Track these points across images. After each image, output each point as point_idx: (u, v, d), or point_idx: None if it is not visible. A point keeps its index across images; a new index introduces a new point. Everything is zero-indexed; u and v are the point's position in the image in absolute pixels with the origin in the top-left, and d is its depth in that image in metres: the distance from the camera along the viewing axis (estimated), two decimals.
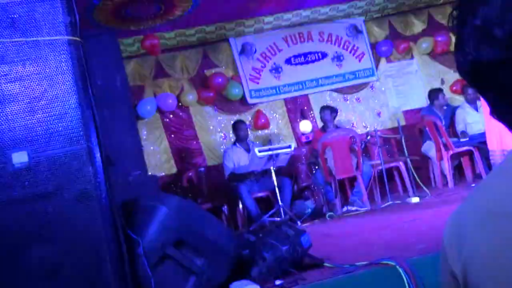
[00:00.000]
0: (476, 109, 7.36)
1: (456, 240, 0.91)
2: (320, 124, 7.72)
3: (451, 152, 6.73)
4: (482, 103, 4.49)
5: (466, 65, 0.84)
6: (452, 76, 8.52)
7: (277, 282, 2.71)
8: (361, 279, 2.62)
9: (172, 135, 7.83)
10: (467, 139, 6.87)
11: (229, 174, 6.88)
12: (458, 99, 8.05)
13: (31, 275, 2.41)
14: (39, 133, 2.48)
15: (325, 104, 7.67)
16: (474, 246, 0.86)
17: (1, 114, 2.47)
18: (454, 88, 8.37)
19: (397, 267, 2.57)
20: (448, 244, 0.94)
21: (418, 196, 6.12)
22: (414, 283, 2.50)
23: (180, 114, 7.90)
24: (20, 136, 2.47)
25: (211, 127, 7.99)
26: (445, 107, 7.55)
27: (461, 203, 0.96)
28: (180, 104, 7.84)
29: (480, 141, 6.73)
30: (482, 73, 0.82)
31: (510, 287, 0.80)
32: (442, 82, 8.51)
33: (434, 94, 7.53)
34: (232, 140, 7.47)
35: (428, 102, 7.73)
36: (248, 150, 6.99)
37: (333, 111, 7.35)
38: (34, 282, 2.41)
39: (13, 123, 2.47)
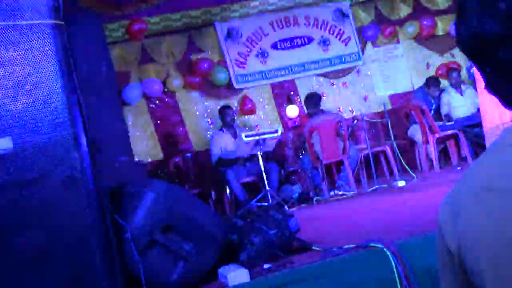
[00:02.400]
0: (461, 93, 7.41)
1: (451, 217, 0.92)
2: (306, 108, 7.72)
3: (436, 136, 6.78)
4: (477, 81, 4.49)
5: (467, 38, 0.84)
6: (438, 60, 8.56)
7: (266, 266, 2.71)
8: (349, 262, 2.64)
9: (159, 121, 7.78)
10: (452, 122, 6.92)
11: (216, 159, 6.87)
12: (443, 83, 8.08)
13: (18, 262, 2.39)
14: (23, 118, 2.44)
15: (307, 94, 7.63)
16: (468, 222, 0.87)
17: None
18: (439, 72, 8.40)
19: (384, 249, 2.59)
20: (443, 221, 0.94)
21: (404, 180, 6.16)
22: (401, 265, 2.52)
23: (166, 99, 7.85)
24: (4, 121, 2.43)
25: (197, 113, 7.96)
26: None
27: (457, 181, 0.96)
28: (166, 89, 7.79)
29: (465, 125, 6.79)
30: (483, 47, 0.82)
31: (505, 261, 0.80)
32: (428, 66, 8.53)
33: (432, 81, 7.55)
34: (219, 125, 7.45)
35: (421, 86, 7.76)
36: (234, 135, 6.97)
37: (319, 97, 7.34)
38: (21, 269, 2.39)
39: None
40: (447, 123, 6.93)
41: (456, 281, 0.96)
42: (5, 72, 2.45)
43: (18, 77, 2.46)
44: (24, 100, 2.46)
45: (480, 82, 4.48)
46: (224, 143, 6.94)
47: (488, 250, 0.84)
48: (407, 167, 6.55)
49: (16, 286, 2.38)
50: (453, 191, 0.95)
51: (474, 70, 4.54)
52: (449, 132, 6.82)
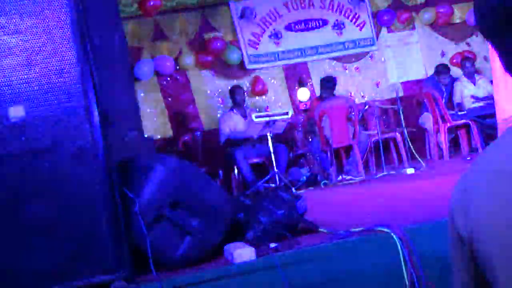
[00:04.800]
0: (474, 83, 7.34)
1: (463, 202, 0.91)
2: (318, 92, 7.68)
3: (448, 125, 6.74)
4: (493, 71, 4.41)
5: (489, 11, 0.82)
6: (453, 48, 8.47)
7: (272, 245, 2.72)
8: (356, 245, 2.64)
9: (169, 98, 7.78)
10: (464, 112, 6.87)
11: (225, 139, 6.87)
12: (457, 72, 8.00)
13: (27, 230, 2.40)
14: (36, 88, 2.44)
15: (324, 76, 7.57)
16: (480, 206, 0.86)
17: None
18: (454, 60, 8.32)
19: (392, 234, 2.58)
20: (455, 207, 0.94)
21: (413, 168, 6.14)
22: (408, 250, 2.52)
23: (178, 77, 7.83)
24: (17, 90, 2.43)
25: (208, 92, 7.94)
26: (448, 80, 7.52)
27: (469, 167, 0.95)
28: (178, 67, 7.77)
29: (477, 115, 6.74)
30: (505, 20, 0.81)
31: None
32: (443, 54, 8.45)
33: (441, 69, 7.49)
34: (229, 105, 7.43)
35: (431, 74, 7.69)
36: (245, 116, 6.96)
37: (334, 81, 7.29)
38: (30, 237, 2.41)
39: (10, 77, 2.43)
40: (459, 113, 6.88)
41: (467, 268, 0.96)
42: (19, 41, 2.44)
43: (32, 46, 2.46)
44: (38, 70, 2.45)
45: (496, 72, 4.44)
46: (234, 123, 6.93)
47: (500, 236, 0.83)
48: (416, 155, 6.52)
49: (24, 254, 2.40)
50: (465, 177, 0.94)
51: (490, 57, 4.46)
52: (461, 121, 6.77)
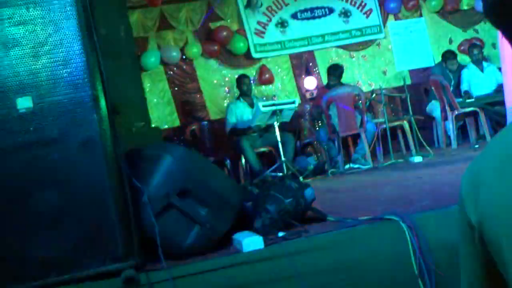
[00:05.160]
0: (482, 70, 7.29)
1: (473, 188, 0.90)
2: (325, 80, 7.65)
3: (456, 113, 6.70)
4: (502, 58, 4.39)
5: None
6: (461, 35, 8.41)
7: (280, 234, 2.72)
8: (364, 234, 2.64)
9: (176, 88, 7.78)
10: (472, 99, 6.82)
11: (231, 129, 6.86)
12: (465, 59, 7.95)
13: (36, 220, 2.42)
14: (43, 78, 2.44)
15: (331, 64, 7.54)
16: (491, 192, 0.85)
17: (5, 58, 2.43)
18: (461, 48, 8.27)
19: (400, 222, 2.58)
20: (465, 193, 0.93)
21: (421, 156, 6.12)
22: (417, 239, 2.51)
23: (184, 67, 7.83)
24: (25, 81, 2.43)
25: (215, 81, 7.93)
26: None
27: (479, 153, 0.94)
28: (184, 57, 7.76)
29: (485, 102, 6.69)
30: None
31: None
32: (450, 41, 8.40)
33: (448, 55, 7.43)
34: (236, 94, 7.42)
35: (439, 60, 7.64)
36: (251, 105, 6.95)
37: (341, 69, 7.25)
38: (39, 227, 2.42)
39: (17, 67, 2.43)
40: (467, 100, 6.83)
41: (476, 254, 0.95)
42: (26, 31, 2.44)
43: (38, 36, 2.46)
44: (44, 60, 2.45)
45: (505, 59, 4.40)
46: (240, 113, 6.93)
47: (510, 219, 0.83)
48: (424, 143, 6.49)
49: (34, 243, 2.42)
50: (475, 163, 0.93)
51: (500, 44, 4.42)
52: (469, 109, 6.73)
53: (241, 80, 7.15)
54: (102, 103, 2.51)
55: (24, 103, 2.43)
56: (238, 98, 7.16)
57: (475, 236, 0.92)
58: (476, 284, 0.99)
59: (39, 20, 2.46)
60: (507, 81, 4.29)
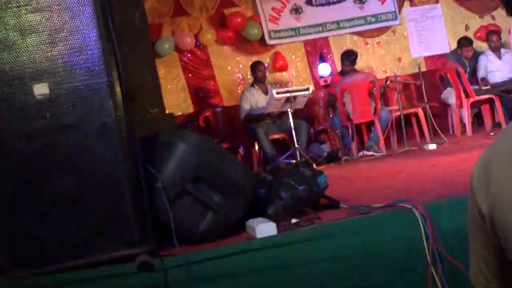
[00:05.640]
0: (499, 57, 7.21)
1: (485, 178, 0.91)
2: (339, 67, 7.62)
3: (471, 100, 6.65)
4: None
5: None
6: (477, 22, 8.31)
7: (293, 221, 2.74)
8: (377, 221, 2.64)
9: (190, 75, 7.79)
10: (488, 87, 6.76)
11: (245, 115, 6.87)
12: (481, 46, 7.86)
13: (52, 205, 2.45)
14: (59, 65, 2.47)
15: (344, 50, 7.50)
16: (502, 182, 0.86)
17: (22, 45, 2.45)
18: (478, 34, 8.18)
19: (413, 210, 2.58)
20: (476, 182, 0.94)
21: (435, 143, 6.09)
22: (430, 226, 2.51)
23: (198, 53, 7.83)
24: (41, 67, 2.46)
25: (229, 68, 7.93)
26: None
27: (491, 143, 0.95)
28: (198, 43, 7.76)
29: (501, 90, 6.63)
30: None
31: None
32: (467, 28, 8.30)
33: (464, 42, 7.35)
34: (250, 81, 7.42)
35: (454, 48, 7.57)
36: (266, 92, 6.94)
37: (355, 55, 7.21)
38: (55, 212, 2.46)
39: (34, 54, 2.45)
40: (483, 88, 6.77)
41: (486, 242, 0.96)
42: (42, 18, 2.46)
43: (54, 23, 2.47)
44: (61, 47, 2.47)
45: None
46: (255, 100, 6.93)
47: None
48: (439, 131, 6.46)
49: (50, 229, 2.46)
50: (487, 152, 0.94)
51: None
52: (485, 96, 6.67)
53: (256, 67, 7.15)
54: (118, 89, 2.53)
55: (40, 89, 2.46)
56: (252, 85, 7.16)
57: (486, 225, 0.93)
58: (486, 272, 1.00)
59: (55, 7, 2.48)
60: None
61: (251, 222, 2.72)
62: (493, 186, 0.89)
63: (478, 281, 1.02)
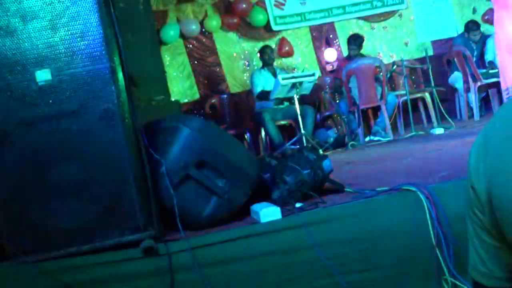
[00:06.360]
0: None
1: (482, 155, 0.90)
2: (345, 52, 7.57)
3: (479, 84, 6.59)
4: (497, 37, 4.32)
5: None
6: (485, 4, 8.21)
7: (298, 205, 2.73)
8: (381, 204, 2.63)
9: (196, 61, 7.77)
10: (496, 70, 6.69)
11: (259, 91, 6.82)
12: (489, 29, 7.77)
13: (57, 191, 2.46)
14: (61, 51, 2.46)
15: (351, 34, 7.45)
16: (499, 158, 0.85)
17: (24, 31, 2.45)
18: (486, 17, 8.08)
19: (418, 193, 2.57)
20: (473, 161, 0.93)
21: (443, 128, 6.05)
22: (435, 209, 2.50)
23: (204, 40, 7.81)
24: (43, 53, 2.45)
25: (235, 54, 7.90)
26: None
27: (487, 122, 0.94)
28: (203, 30, 7.74)
29: None
30: None
31: None
32: (474, 11, 8.21)
33: (471, 25, 7.27)
34: (255, 67, 7.40)
35: (461, 32, 7.50)
36: (274, 75, 6.92)
37: (361, 39, 7.17)
38: (60, 198, 2.47)
39: (35, 40, 2.45)
40: (490, 71, 6.71)
41: (482, 222, 0.95)
42: (44, 4, 2.45)
43: (56, 9, 2.47)
44: (62, 33, 2.47)
45: (499, 42, 4.33)
46: (264, 80, 6.90)
47: None
48: (446, 115, 6.42)
49: (55, 215, 2.47)
50: (485, 129, 0.93)
51: (495, 28, 4.33)
52: (492, 80, 6.61)
53: (264, 50, 7.13)
54: (120, 75, 2.52)
55: (43, 75, 2.45)
56: (262, 67, 7.13)
57: (483, 204, 0.92)
58: (486, 259, 0.99)
59: None
60: (503, 65, 4.23)
61: (255, 207, 2.72)
62: (489, 165, 0.88)
63: (478, 270, 1.00)
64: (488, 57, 7.13)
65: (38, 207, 2.46)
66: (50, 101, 2.46)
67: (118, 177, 2.51)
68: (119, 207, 2.52)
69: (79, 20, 2.48)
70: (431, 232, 2.48)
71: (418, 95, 7.01)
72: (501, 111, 0.93)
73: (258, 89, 6.86)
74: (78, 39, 2.48)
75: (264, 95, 6.69)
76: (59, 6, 2.46)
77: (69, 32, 2.47)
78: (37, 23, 2.45)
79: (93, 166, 2.50)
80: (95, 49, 2.50)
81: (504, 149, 0.84)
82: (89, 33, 2.50)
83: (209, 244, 2.49)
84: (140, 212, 2.52)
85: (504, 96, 4.44)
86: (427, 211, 2.52)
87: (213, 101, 7.55)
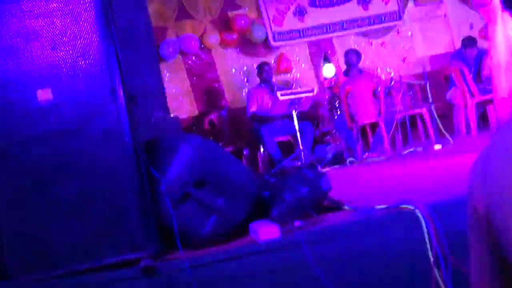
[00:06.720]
0: None
1: (482, 177, 0.91)
2: (343, 68, 7.62)
3: (476, 100, 6.62)
4: (492, 53, 4.41)
5: None
6: (481, 20, 8.26)
7: (297, 223, 2.73)
8: (380, 222, 2.64)
9: (194, 77, 7.81)
10: None
11: (251, 114, 6.86)
12: (486, 45, 7.83)
13: (56, 209, 2.47)
14: (62, 70, 2.49)
15: (349, 49, 7.52)
16: (498, 179, 0.86)
17: (26, 50, 2.48)
18: (482, 33, 8.13)
19: (416, 211, 2.58)
20: (473, 181, 0.94)
21: (441, 144, 6.07)
22: (432, 227, 2.51)
23: (203, 56, 7.85)
24: (44, 72, 2.48)
25: (234, 70, 7.94)
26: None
27: (489, 142, 0.95)
28: (202, 46, 7.78)
29: None
30: None
31: None
32: (471, 26, 8.27)
33: (468, 41, 7.33)
34: (254, 83, 7.44)
35: (459, 47, 7.55)
36: (272, 91, 6.95)
37: (358, 55, 7.24)
38: (59, 216, 2.48)
39: (37, 59, 2.48)
40: (488, 87, 6.74)
41: (484, 243, 0.96)
42: (45, 24, 2.49)
43: (57, 28, 2.50)
44: (63, 52, 2.50)
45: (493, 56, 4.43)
46: (261, 99, 6.93)
47: None
48: (444, 131, 6.44)
49: (54, 233, 2.47)
50: (486, 149, 0.94)
51: (489, 42, 4.41)
52: (490, 96, 6.64)
53: (262, 68, 7.16)
54: (120, 93, 2.55)
55: (44, 94, 2.48)
56: (259, 84, 7.16)
57: (483, 223, 0.93)
58: (485, 273, 1.00)
59: (58, 12, 2.51)
60: (495, 74, 4.31)
61: (254, 225, 2.72)
62: (489, 186, 0.89)
63: None
64: (485, 73, 7.17)
65: (38, 225, 2.47)
66: (51, 119, 2.48)
67: (117, 196, 2.52)
68: (119, 226, 2.53)
69: (81, 40, 2.52)
70: (429, 250, 2.49)
71: (416, 111, 7.04)
72: (500, 130, 0.94)
73: (251, 109, 6.89)
74: (79, 59, 2.51)
75: (256, 118, 6.72)
76: (60, 26, 2.49)
77: (70, 51, 2.50)
78: (39, 42, 2.48)
79: (92, 184, 2.51)
80: (96, 68, 2.53)
81: (503, 173, 0.85)
82: (90, 52, 2.53)
83: (208, 263, 2.49)
84: (140, 230, 2.53)
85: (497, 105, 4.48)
86: (425, 230, 2.52)
87: (211, 117, 7.57)
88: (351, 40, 8.16)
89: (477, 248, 1.00)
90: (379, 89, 6.49)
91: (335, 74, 7.85)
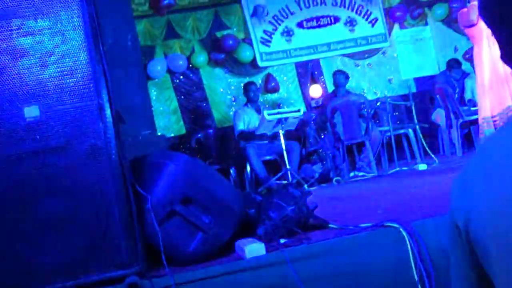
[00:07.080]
0: None
1: (462, 194, 0.94)
2: (330, 88, 7.69)
3: (461, 121, 6.71)
4: (477, 72, 4.58)
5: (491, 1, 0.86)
6: (466, 44, 8.42)
7: (282, 241, 2.75)
8: (365, 240, 2.66)
9: (182, 96, 7.84)
10: (477, 108, 6.82)
11: (239, 133, 6.89)
12: (470, 68, 7.97)
13: (42, 227, 2.46)
14: (50, 88, 2.50)
15: (337, 70, 7.63)
16: (477, 197, 0.89)
17: (14, 68, 2.48)
18: (467, 56, 8.28)
19: (401, 229, 2.61)
20: (454, 198, 0.96)
21: (426, 164, 6.13)
22: (417, 246, 2.54)
23: (190, 75, 7.89)
24: (32, 90, 2.49)
25: (221, 89, 7.99)
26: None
27: (469, 160, 0.98)
28: (190, 65, 7.83)
29: None
30: (503, 4, 0.84)
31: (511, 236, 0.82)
32: (456, 49, 8.42)
33: (453, 63, 7.46)
34: (242, 103, 7.48)
35: (444, 69, 7.67)
36: (258, 111, 6.99)
37: (346, 76, 7.33)
38: (45, 234, 2.47)
39: (25, 77, 2.49)
40: (471, 108, 6.85)
41: (465, 258, 0.98)
42: (34, 42, 2.50)
43: (46, 47, 2.51)
44: (52, 70, 2.51)
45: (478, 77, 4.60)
46: (248, 118, 6.97)
47: (495, 225, 0.86)
48: (429, 151, 6.51)
49: (39, 250, 2.46)
50: (466, 168, 0.97)
51: (476, 55, 4.57)
52: (474, 117, 6.73)
53: (248, 87, 7.21)
54: (108, 112, 2.56)
55: (31, 112, 2.48)
56: (246, 104, 7.21)
57: (463, 239, 0.95)
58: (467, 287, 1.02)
59: (46, 30, 2.52)
60: (479, 93, 4.46)
61: (240, 243, 2.73)
62: (468, 203, 0.92)
63: None
64: (467, 95, 7.29)
65: (23, 242, 2.46)
66: (38, 136, 2.49)
67: (103, 213, 2.52)
68: (104, 243, 2.52)
69: (69, 58, 2.53)
70: (414, 268, 2.51)
71: (402, 131, 7.11)
72: (480, 150, 0.97)
73: (239, 128, 6.92)
74: (67, 76, 2.52)
75: (244, 135, 6.75)
76: (49, 44, 2.51)
77: (58, 70, 2.51)
78: (27, 60, 2.49)
79: (79, 201, 2.51)
80: (84, 86, 2.54)
81: (482, 191, 0.88)
82: (78, 70, 2.54)
83: (194, 280, 2.49)
84: (125, 247, 2.53)
85: (481, 127, 4.58)
86: (409, 248, 2.55)
87: (199, 135, 7.60)
88: (338, 61, 8.25)
89: (458, 263, 1.02)
90: (365, 109, 6.56)
91: (322, 94, 7.93)
